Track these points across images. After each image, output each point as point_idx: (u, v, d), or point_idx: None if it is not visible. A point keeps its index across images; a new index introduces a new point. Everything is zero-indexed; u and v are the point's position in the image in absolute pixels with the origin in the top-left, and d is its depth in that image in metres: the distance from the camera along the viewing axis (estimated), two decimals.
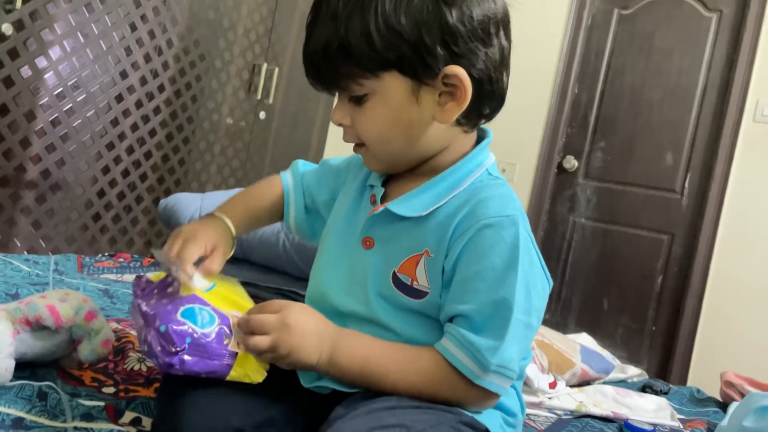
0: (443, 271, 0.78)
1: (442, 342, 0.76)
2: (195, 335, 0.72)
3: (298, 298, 1.35)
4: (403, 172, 0.85)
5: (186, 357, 0.70)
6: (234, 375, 0.74)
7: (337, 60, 0.75)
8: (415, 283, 0.79)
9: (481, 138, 0.86)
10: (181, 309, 0.73)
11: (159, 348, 0.71)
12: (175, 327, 0.71)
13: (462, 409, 0.77)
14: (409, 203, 0.80)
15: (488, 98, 0.79)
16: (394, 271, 0.80)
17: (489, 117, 0.83)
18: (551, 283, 0.83)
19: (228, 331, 0.75)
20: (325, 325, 0.78)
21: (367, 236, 0.83)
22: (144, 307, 0.76)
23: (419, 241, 0.79)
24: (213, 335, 0.73)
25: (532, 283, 0.77)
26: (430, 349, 0.77)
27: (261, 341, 0.73)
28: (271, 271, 1.68)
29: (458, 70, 0.75)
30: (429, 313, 0.79)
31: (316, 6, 0.79)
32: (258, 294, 1.70)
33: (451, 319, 0.77)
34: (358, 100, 0.78)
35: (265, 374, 0.77)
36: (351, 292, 0.83)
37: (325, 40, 0.75)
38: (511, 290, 0.74)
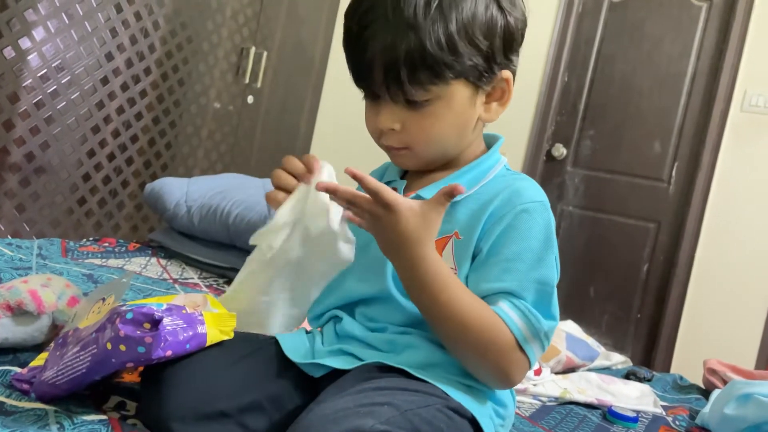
0: (475, 254, 0.81)
1: (497, 305, 0.77)
2: (160, 309, 0.72)
3: None
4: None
5: (166, 320, 0.70)
6: (212, 335, 0.76)
7: (416, 67, 0.76)
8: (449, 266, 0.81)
9: (492, 139, 0.92)
10: (125, 315, 0.72)
11: (138, 332, 0.70)
12: (139, 310, 0.71)
13: (485, 381, 0.79)
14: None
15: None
16: None
17: None
18: (558, 275, 0.85)
19: (178, 306, 0.75)
20: (418, 241, 0.74)
21: None
22: (85, 332, 0.75)
23: (449, 225, 0.82)
24: (173, 308, 0.73)
25: (556, 265, 0.82)
26: (487, 305, 0.77)
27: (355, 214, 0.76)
28: None
29: (509, 74, 0.82)
30: None
31: (372, 11, 0.78)
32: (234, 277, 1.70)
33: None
34: (415, 105, 0.80)
35: (234, 323, 0.79)
36: (365, 279, 0.86)
37: (405, 48, 0.75)
38: (549, 268, 0.79)
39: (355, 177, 0.72)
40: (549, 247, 0.80)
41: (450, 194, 0.72)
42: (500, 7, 0.80)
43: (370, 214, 0.74)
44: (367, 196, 0.73)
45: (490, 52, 0.79)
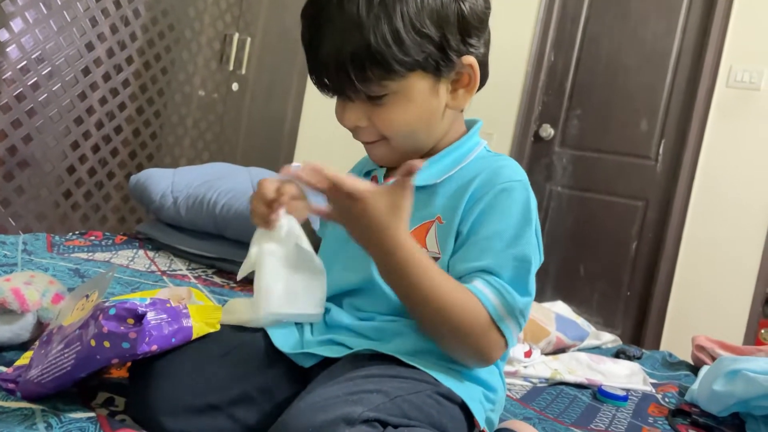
0: (456, 236, 0.81)
1: (471, 283, 0.77)
2: (144, 303, 0.71)
3: None
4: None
5: (149, 315, 0.70)
6: (197, 328, 0.75)
7: (365, 67, 0.76)
8: (424, 250, 0.81)
9: (472, 123, 0.92)
10: (108, 310, 0.71)
11: (121, 328, 0.69)
12: (122, 305, 0.70)
13: (463, 361, 0.79)
14: (421, 174, 0.82)
15: (483, 76, 0.85)
16: None
17: (477, 90, 0.87)
18: (542, 259, 0.85)
19: (162, 299, 0.75)
20: (389, 226, 0.74)
21: None
22: (69, 329, 0.74)
23: (430, 210, 0.82)
24: (157, 302, 0.73)
25: (538, 245, 0.82)
26: (461, 284, 0.77)
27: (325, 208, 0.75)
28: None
29: (472, 60, 0.81)
30: None
31: (320, 15, 0.79)
32: (223, 268, 1.69)
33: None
34: (376, 100, 0.80)
35: (220, 315, 0.78)
36: (350, 269, 0.86)
37: (351, 48, 0.75)
38: (527, 245, 0.78)
39: (314, 170, 0.71)
40: (527, 224, 0.79)
41: (409, 172, 0.71)
42: None
43: (338, 206, 0.74)
44: (327, 186, 0.73)
45: (444, 41, 0.78)
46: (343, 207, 0.73)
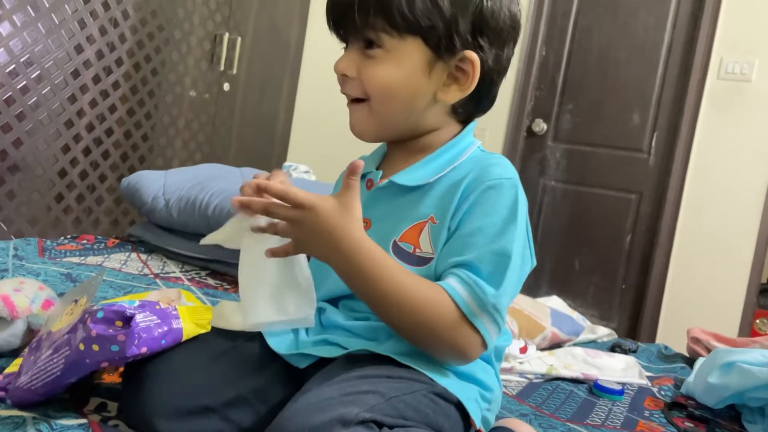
0: (448, 234, 0.80)
1: (444, 279, 0.76)
2: (132, 306, 0.71)
3: None
4: (395, 154, 0.89)
5: (138, 317, 0.69)
6: (188, 329, 0.75)
7: (369, 10, 0.78)
8: (417, 250, 0.81)
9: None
10: (96, 314, 0.70)
11: (110, 331, 0.69)
12: (110, 308, 0.70)
13: (442, 360, 0.77)
14: (413, 174, 0.84)
15: (485, 95, 0.86)
16: (394, 240, 0.82)
17: (477, 114, 0.89)
18: (534, 263, 0.85)
19: (151, 301, 0.74)
20: (345, 228, 0.74)
21: (364, 218, 0.84)
22: (58, 335, 0.74)
23: (423, 210, 0.82)
24: (146, 304, 0.72)
25: (525, 244, 0.81)
26: (431, 282, 0.76)
27: (275, 225, 0.74)
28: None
29: (475, 57, 0.81)
30: (431, 278, 0.80)
31: None
32: (217, 269, 1.68)
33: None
34: (369, 50, 0.81)
35: (210, 315, 0.78)
36: None
37: None
38: (510, 241, 0.77)
39: (258, 188, 0.71)
40: (512, 221, 0.78)
41: (352, 171, 0.71)
42: None
43: (289, 220, 0.73)
44: (279, 202, 0.72)
45: (454, 22, 0.79)
46: (296, 220, 0.73)
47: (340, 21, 0.83)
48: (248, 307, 0.79)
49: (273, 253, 0.76)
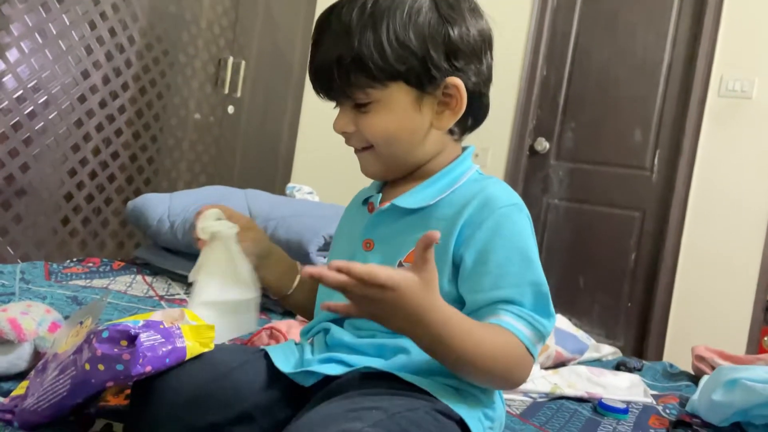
0: (453, 258, 0.82)
1: (498, 317, 0.78)
2: (136, 325, 0.71)
3: None
4: (397, 179, 0.91)
5: (143, 336, 0.70)
6: (191, 348, 0.75)
7: (349, 71, 0.81)
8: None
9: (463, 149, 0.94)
10: (101, 333, 0.71)
11: (115, 350, 0.69)
12: (114, 328, 0.71)
13: (499, 389, 0.84)
14: (414, 197, 0.86)
15: (477, 109, 0.88)
16: (399, 261, 0.84)
17: (475, 127, 0.92)
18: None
19: (155, 321, 0.75)
20: (431, 305, 0.72)
21: (368, 239, 0.89)
22: (63, 356, 0.75)
23: (425, 232, 0.81)
24: (150, 324, 0.73)
25: None
26: (494, 325, 0.78)
27: (345, 305, 0.72)
28: None
29: (458, 82, 0.83)
30: None
31: (324, 23, 0.85)
32: None
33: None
34: (361, 107, 0.84)
35: (214, 335, 0.79)
36: None
37: (338, 53, 0.81)
38: (538, 267, 0.81)
39: (340, 270, 0.68)
40: (533, 246, 0.82)
41: (428, 244, 0.70)
42: (441, 17, 0.83)
43: (366, 298, 0.70)
44: (354, 282, 0.69)
45: (427, 57, 0.81)
46: (375, 299, 0.70)
47: (324, 87, 0.86)
48: (198, 290, 0.90)
49: (327, 307, 0.72)
